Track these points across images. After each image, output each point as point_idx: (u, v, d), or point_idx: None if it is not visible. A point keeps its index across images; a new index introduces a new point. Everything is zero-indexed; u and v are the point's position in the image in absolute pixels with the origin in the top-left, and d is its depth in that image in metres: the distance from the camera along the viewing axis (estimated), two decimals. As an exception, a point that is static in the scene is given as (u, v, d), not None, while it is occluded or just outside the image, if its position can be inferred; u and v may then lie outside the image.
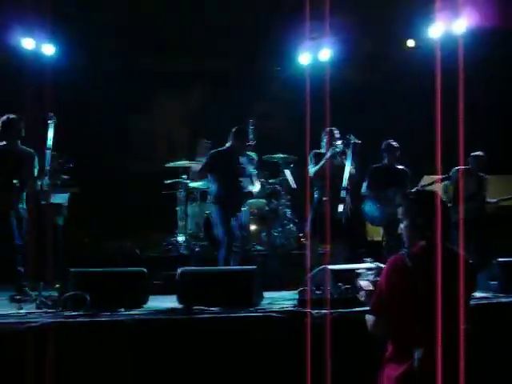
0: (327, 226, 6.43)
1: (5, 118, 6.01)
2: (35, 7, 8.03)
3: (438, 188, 7.43)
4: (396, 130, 8.80)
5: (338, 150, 6.77)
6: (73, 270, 5.07)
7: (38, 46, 8.64)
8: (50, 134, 5.71)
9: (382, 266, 3.26)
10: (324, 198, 6.76)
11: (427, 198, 3.07)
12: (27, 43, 8.52)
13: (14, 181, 5.83)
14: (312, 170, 6.91)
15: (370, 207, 7.33)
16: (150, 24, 9.47)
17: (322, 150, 6.99)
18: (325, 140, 6.99)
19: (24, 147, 6.15)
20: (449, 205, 7.51)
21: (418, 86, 8.47)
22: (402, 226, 3.10)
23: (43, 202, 5.71)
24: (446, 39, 8.19)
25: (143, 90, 10.57)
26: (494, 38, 8.68)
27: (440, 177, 7.27)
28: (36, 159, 6.10)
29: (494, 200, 7.72)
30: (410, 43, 9.21)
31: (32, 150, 6.16)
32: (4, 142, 6.05)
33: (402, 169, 7.38)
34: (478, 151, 7.68)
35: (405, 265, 2.86)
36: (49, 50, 8.76)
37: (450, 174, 7.57)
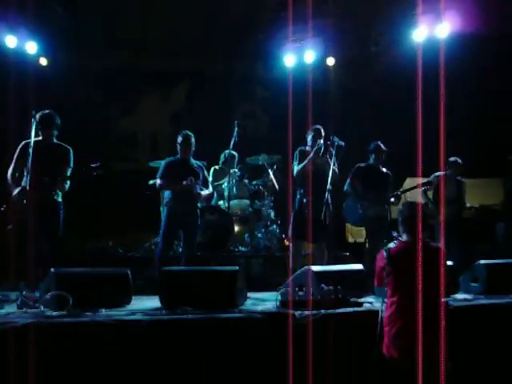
0: (308, 226, 6.45)
1: (40, 113, 6.05)
2: (18, 5, 7.99)
3: (419, 192, 7.49)
4: (379, 131, 8.85)
5: (320, 146, 6.79)
6: (55, 270, 5.04)
7: (20, 43, 8.57)
8: (33, 132, 5.67)
9: None
10: (304, 200, 6.79)
11: (409, 209, 4.30)
12: (10, 41, 8.45)
13: (45, 178, 5.81)
14: (295, 168, 6.93)
15: (351, 208, 7.35)
16: (135, 23, 9.44)
17: (308, 148, 7.01)
18: (310, 138, 7.01)
19: (59, 142, 6.23)
20: (429, 205, 7.65)
21: (401, 88, 8.52)
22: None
23: (25, 201, 5.63)
24: (429, 43, 8.23)
25: (127, 88, 10.55)
26: (477, 43, 8.73)
27: (421, 182, 7.33)
28: (70, 156, 6.16)
29: (476, 205, 7.82)
30: (399, 45, 9.18)
31: (67, 146, 6.22)
32: (40, 138, 6.09)
33: (386, 171, 7.41)
34: (456, 155, 7.78)
35: (383, 258, 4.20)
36: (31, 48, 8.70)
37: (430, 179, 7.64)
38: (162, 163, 6.90)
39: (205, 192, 6.80)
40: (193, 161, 6.84)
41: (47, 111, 6.11)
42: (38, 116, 5.94)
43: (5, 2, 7.89)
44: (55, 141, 6.17)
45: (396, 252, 4.18)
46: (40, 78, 8.07)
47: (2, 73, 8.12)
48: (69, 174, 6.08)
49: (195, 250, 6.81)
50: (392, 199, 7.20)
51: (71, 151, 6.18)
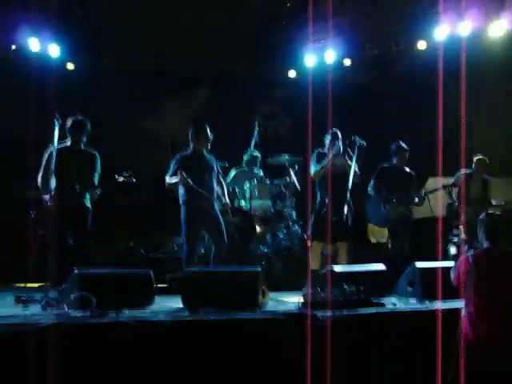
0: (330, 227, 6.43)
1: (73, 118, 6.13)
2: (40, 8, 8.07)
3: (442, 193, 7.40)
4: (401, 131, 8.81)
5: (338, 148, 6.79)
6: (78, 271, 5.09)
7: (43, 46, 8.67)
8: (56, 134, 5.73)
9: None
10: (326, 200, 6.77)
11: (492, 219, 4.59)
12: (33, 44, 8.54)
13: (76, 185, 5.89)
14: (312, 170, 6.91)
15: (374, 208, 7.33)
16: (156, 24, 9.47)
17: (326, 150, 7.00)
18: (327, 141, 7.00)
19: (86, 148, 6.29)
20: (455, 204, 7.56)
21: (423, 87, 8.46)
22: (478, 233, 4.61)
23: (49, 204, 5.71)
24: (451, 42, 8.17)
25: (148, 90, 10.61)
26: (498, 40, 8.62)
27: (444, 184, 7.26)
28: (98, 162, 6.23)
29: (502, 202, 7.71)
30: (421, 45, 9.09)
31: (95, 152, 6.27)
32: (68, 143, 6.17)
33: (409, 171, 7.38)
34: (480, 153, 7.70)
35: (468, 263, 4.41)
36: (54, 50, 8.79)
37: (454, 178, 7.58)
38: (173, 159, 6.69)
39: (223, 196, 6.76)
40: (206, 154, 6.67)
41: (79, 117, 6.17)
42: (69, 121, 6.03)
43: (27, 5, 7.98)
44: (83, 147, 6.23)
45: (480, 257, 4.47)
46: (62, 81, 8.14)
47: (26, 76, 8.22)
48: (96, 180, 6.13)
49: (225, 248, 6.60)
50: (416, 200, 7.16)
51: (98, 157, 6.23)
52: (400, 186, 7.27)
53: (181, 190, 6.57)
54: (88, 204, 6.16)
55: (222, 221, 6.62)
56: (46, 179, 5.87)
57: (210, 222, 6.54)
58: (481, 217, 4.70)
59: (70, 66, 9.34)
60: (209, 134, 6.60)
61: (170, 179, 6.54)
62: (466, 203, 7.58)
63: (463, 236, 5.34)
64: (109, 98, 9.63)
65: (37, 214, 5.72)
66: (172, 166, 6.58)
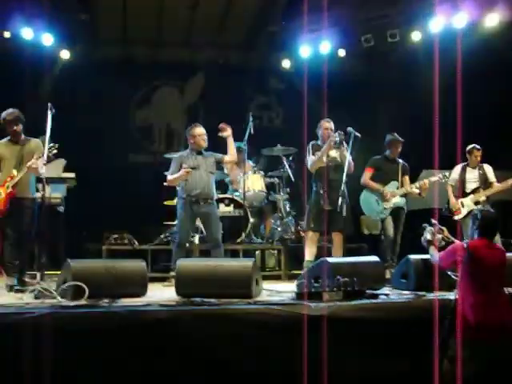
0: (325, 218, 6.44)
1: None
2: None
3: (437, 183, 7.34)
4: (395, 123, 8.80)
5: (337, 139, 6.77)
6: (71, 261, 5.07)
7: (36, 36, 8.62)
8: (49, 124, 5.69)
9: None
10: (321, 191, 6.77)
11: (484, 216, 4.75)
12: (26, 33, 8.50)
13: (14, 171, 5.86)
14: (309, 161, 6.91)
15: (367, 199, 7.33)
16: (149, 13, 9.43)
17: (319, 142, 6.99)
18: (320, 132, 6.99)
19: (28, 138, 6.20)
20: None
21: (418, 79, 8.44)
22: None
23: (42, 192, 5.68)
24: (447, 33, 8.15)
25: (142, 80, 10.58)
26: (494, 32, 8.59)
27: (436, 178, 7.20)
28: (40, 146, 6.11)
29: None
30: (416, 36, 9.07)
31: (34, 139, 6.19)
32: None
33: (403, 163, 7.37)
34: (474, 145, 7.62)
35: (463, 248, 4.58)
36: (48, 40, 8.74)
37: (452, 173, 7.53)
38: (173, 159, 6.89)
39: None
40: (204, 152, 6.81)
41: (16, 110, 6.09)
42: (4, 114, 5.97)
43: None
44: (23, 136, 6.12)
45: (474, 246, 4.65)
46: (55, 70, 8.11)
47: (19, 64, 8.18)
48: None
49: (218, 242, 6.69)
50: (416, 190, 7.15)
51: (40, 142, 6.09)
52: (393, 178, 7.27)
53: (180, 186, 6.78)
54: (30, 195, 6.04)
55: (217, 215, 6.81)
56: None
57: (204, 216, 6.71)
58: (475, 212, 4.88)
59: (64, 55, 9.29)
60: (203, 132, 6.74)
61: (172, 176, 6.72)
62: (463, 194, 7.52)
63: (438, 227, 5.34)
64: (101, 88, 9.60)
65: None
66: (173, 166, 6.77)
